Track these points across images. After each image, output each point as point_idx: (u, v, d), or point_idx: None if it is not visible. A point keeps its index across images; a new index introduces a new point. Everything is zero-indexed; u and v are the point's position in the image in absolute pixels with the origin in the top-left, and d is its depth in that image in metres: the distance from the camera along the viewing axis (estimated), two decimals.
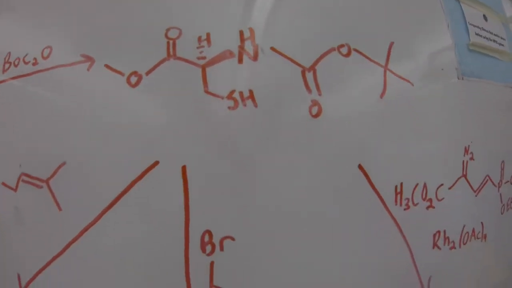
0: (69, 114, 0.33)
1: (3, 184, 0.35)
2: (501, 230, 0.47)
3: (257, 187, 0.31)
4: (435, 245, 0.39)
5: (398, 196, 0.35)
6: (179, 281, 0.31)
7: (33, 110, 0.35)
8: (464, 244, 0.42)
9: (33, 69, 0.35)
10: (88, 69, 0.32)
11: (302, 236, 0.32)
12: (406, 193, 0.36)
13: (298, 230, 0.32)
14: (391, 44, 0.36)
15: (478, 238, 0.44)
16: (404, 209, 0.36)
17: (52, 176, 0.33)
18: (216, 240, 0.31)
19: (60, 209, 0.33)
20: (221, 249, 0.31)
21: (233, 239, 0.31)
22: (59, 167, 0.32)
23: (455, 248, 0.41)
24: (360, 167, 0.33)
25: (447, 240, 0.40)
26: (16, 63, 0.36)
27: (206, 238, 0.31)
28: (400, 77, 0.36)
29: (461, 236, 0.42)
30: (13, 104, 0.36)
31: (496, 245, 0.46)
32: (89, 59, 0.33)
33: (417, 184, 0.36)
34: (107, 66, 0.32)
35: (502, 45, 0.47)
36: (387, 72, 0.35)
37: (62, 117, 0.33)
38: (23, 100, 0.35)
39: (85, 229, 0.32)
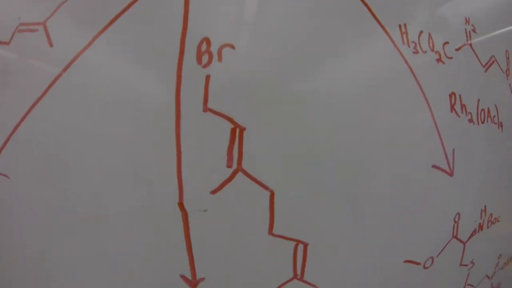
0: None
1: None
2: None
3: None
4: (452, 108, 0.36)
5: (404, 36, 0.34)
6: (168, 101, 0.28)
7: None
8: (482, 123, 0.39)
9: None
10: None
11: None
12: (412, 36, 0.34)
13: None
14: None
15: (495, 123, 0.41)
16: (413, 53, 0.34)
17: (51, 15, 0.32)
18: (214, 49, 0.28)
19: (51, 44, 0.31)
20: (219, 59, 0.28)
21: (233, 47, 0.29)
22: (61, 4, 0.31)
23: (473, 122, 0.38)
24: None
25: (464, 108, 0.37)
26: None
27: (204, 47, 0.28)
28: None
29: (477, 111, 0.39)
30: None
31: None
32: None
33: (421, 31, 0.35)
34: None
35: None
36: None
37: None
38: None
39: (73, 59, 0.30)
